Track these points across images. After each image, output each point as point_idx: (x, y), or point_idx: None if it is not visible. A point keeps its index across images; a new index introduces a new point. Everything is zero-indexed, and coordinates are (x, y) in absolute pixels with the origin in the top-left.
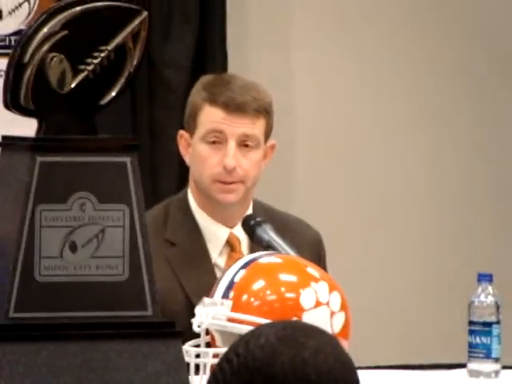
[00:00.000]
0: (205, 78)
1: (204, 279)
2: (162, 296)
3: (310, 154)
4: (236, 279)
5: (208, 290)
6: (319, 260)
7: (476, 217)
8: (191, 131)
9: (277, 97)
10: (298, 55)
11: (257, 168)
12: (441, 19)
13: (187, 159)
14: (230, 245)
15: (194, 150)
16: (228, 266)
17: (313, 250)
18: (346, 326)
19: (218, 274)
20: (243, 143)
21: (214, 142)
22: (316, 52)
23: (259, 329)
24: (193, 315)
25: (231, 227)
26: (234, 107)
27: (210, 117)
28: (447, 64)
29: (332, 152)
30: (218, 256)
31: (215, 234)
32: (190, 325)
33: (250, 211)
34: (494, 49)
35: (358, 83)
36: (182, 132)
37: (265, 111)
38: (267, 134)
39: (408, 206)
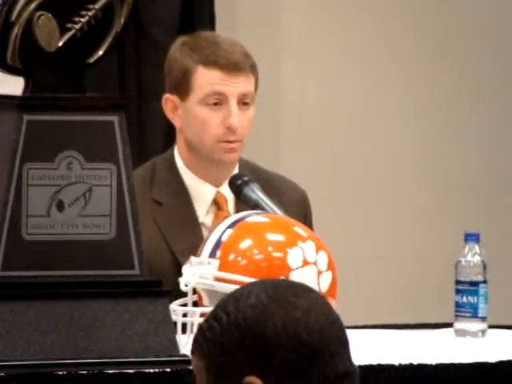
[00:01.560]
0: (185, 40)
1: (190, 238)
2: (148, 255)
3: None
4: (223, 238)
5: (195, 249)
6: (305, 218)
7: (465, 178)
8: (182, 95)
9: (264, 58)
10: (288, 15)
11: (251, 125)
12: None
13: (177, 122)
14: (217, 204)
15: (189, 113)
16: (215, 224)
17: (299, 208)
18: (333, 285)
19: (205, 233)
20: (242, 101)
21: (214, 104)
22: (307, 14)
23: (249, 286)
24: (180, 274)
25: (218, 186)
26: (232, 67)
27: (208, 79)
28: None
29: (320, 115)
30: (204, 215)
31: (202, 193)
32: (177, 284)
33: (236, 170)
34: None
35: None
36: (167, 96)
37: (254, 67)
38: (256, 89)
39: (396, 168)
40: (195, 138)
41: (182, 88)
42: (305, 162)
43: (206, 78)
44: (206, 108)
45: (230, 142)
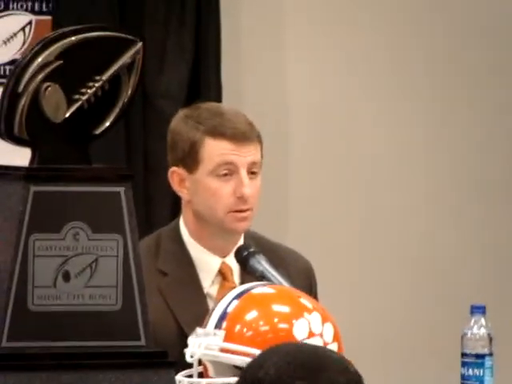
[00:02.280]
0: (188, 112)
1: (196, 309)
2: (154, 326)
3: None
4: (229, 309)
5: (200, 320)
6: (310, 289)
7: (470, 247)
8: (190, 167)
9: (272, 128)
10: (294, 87)
11: (259, 193)
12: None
13: (184, 194)
14: (222, 274)
15: (198, 185)
16: (220, 295)
17: (304, 278)
18: None
19: (210, 303)
20: (250, 170)
21: (225, 175)
22: (312, 84)
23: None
24: (185, 345)
25: (223, 257)
26: (240, 137)
27: (217, 150)
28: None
29: (326, 179)
30: (209, 285)
31: (207, 263)
32: (183, 355)
33: (241, 241)
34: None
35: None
36: (174, 169)
37: (259, 136)
38: (262, 158)
39: (400, 239)
40: (206, 210)
41: (190, 160)
42: (312, 229)
43: (215, 149)
44: (217, 179)
45: (241, 211)
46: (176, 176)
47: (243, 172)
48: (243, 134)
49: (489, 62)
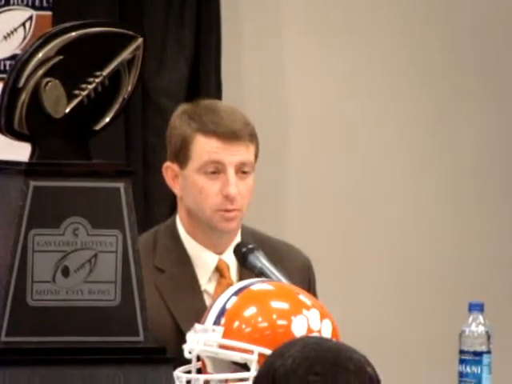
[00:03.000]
0: (185, 108)
1: (193, 306)
2: (151, 322)
3: (301, 171)
4: (228, 306)
5: (197, 317)
6: (309, 285)
7: (468, 245)
8: (181, 163)
9: (271, 126)
10: (293, 85)
11: (251, 194)
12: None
13: (177, 190)
14: (219, 271)
15: (188, 181)
16: (217, 291)
17: (302, 275)
18: None
19: (207, 300)
20: (240, 170)
21: (212, 173)
22: (312, 82)
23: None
24: (182, 342)
25: (220, 253)
26: (230, 135)
27: (206, 147)
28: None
29: (325, 168)
30: (207, 282)
31: (204, 260)
32: (180, 351)
33: (238, 237)
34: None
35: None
36: (167, 164)
37: (254, 135)
38: (256, 158)
39: (401, 236)
40: (194, 206)
41: (182, 156)
42: (310, 225)
43: (204, 147)
44: (204, 176)
45: (228, 210)
46: (170, 171)
47: (231, 171)
48: (233, 133)
49: (499, 72)
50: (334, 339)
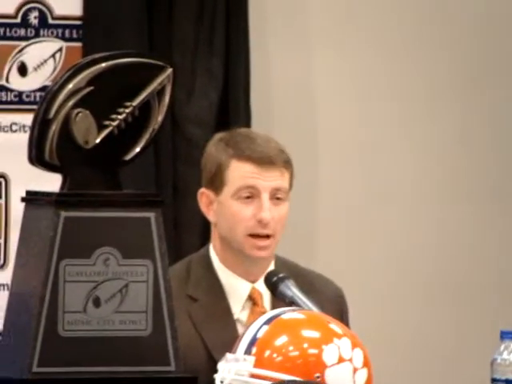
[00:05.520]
0: (221, 135)
1: (226, 334)
2: (183, 351)
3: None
4: (259, 335)
5: (230, 346)
6: (341, 316)
7: (500, 272)
8: (216, 189)
9: (301, 153)
10: (323, 111)
11: (285, 221)
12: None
13: (211, 217)
14: (252, 299)
15: (222, 207)
16: (250, 320)
17: (335, 306)
18: (368, 383)
19: (240, 329)
20: (274, 196)
21: (247, 197)
22: (341, 103)
23: None
24: (215, 371)
25: (253, 282)
26: (265, 160)
27: (241, 172)
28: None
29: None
30: (240, 311)
31: (237, 289)
32: (212, 381)
33: (272, 266)
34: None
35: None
36: (202, 190)
37: (289, 162)
38: (291, 187)
39: (434, 259)
40: (227, 232)
41: (217, 182)
42: (342, 253)
43: (238, 172)
44: (238, 201)
45: (261, 237)
46: (204, 197)
47: (265, 196)
48: (268, 158)
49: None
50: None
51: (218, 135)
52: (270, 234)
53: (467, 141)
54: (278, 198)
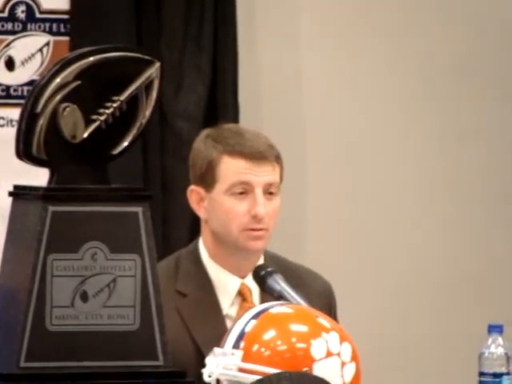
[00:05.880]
0: (209, 132)
1: (215, 330)
2: (172, 347)
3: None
4: (247, 329)
5: (219, 341)
6: (330, 310)
7: (489, 266)
8: (207, 186)
9: (289, 149)
10: (311, 108)
11: (277, 215)
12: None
13: (202, 213)
14: (242, 295)
15: (214, 203)
16: (239, 316)
17: (323, 300)
18: (356, 377)
19: (229, 324)
20: (267, 191)
21: (240, 193)
22: (330, 99)
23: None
24: (203, 366)
25: (243, 277)
26: (257, 156)
27: (233, 168)
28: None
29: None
30: (229, 306)
31: (226, 284)
32: (201, 376)
33: (261, 261)
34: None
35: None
36: (192, 187)
37: (279, 158)
38: (281, 180)
39: (420, 256)
40: (221, 228)
41: (208, 179)
42: (331, 248)
43: (231, 168)
44: (232, 197)
45: (254, 230)
46: (194, 194)
47: (259, 191)
48: (260, 154)
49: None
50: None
51: (205, 131)
52: (265, 228)
53: (466, 140)
54: (270, 193)
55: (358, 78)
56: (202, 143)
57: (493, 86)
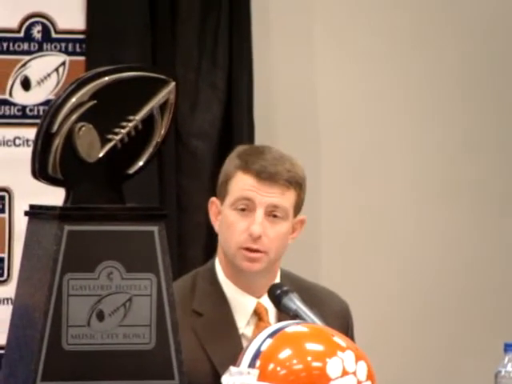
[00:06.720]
0: (241, 148)
1: (231, 349)
2: (188, 366)
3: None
4: (262, 348)
5: (235, 361)
6: (347, 330)
7: (505, 285)
8: (222, 198)
9: (305, 165)
10: (326, 124)
11: (282, 240)
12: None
13: (216, 226)
14: (258, 314)
15: (223, 216)
16: (255, 335)
17: (340, 320)
18: None
19: (245, 344)
20: (271, 213)
21: (243, 210)
22: (345, 124)
23: None
24: None
25: (258, 297)
26: (265, 176)
27: (241, 184)
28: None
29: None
30: (245, 326)
31: (242, 304)
32: None
33: (277, 281)
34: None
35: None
36: (213, 199)
37: (296, 183)
38: (297, 208)
39: (442, 269)
40: (223, 242)
41: (222, 191)
42: (346, 267)
43: (240, 183)
44: (235, 212)
45: (250, 249)
46: (214, 207)
47: (259, 211)
48: (270, 174)
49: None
50: None
51: (239, 147)
52: (261, 249)
53: (472, 144)
54: (275, 216)
55: (373, 92)
56: (228, 159)
57: (500, 92)
